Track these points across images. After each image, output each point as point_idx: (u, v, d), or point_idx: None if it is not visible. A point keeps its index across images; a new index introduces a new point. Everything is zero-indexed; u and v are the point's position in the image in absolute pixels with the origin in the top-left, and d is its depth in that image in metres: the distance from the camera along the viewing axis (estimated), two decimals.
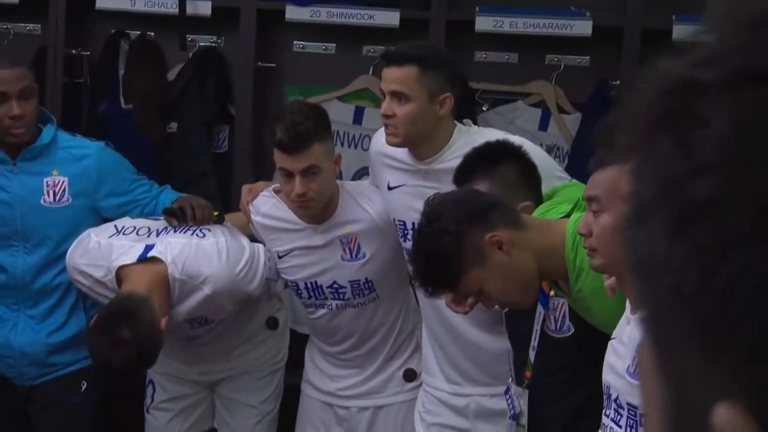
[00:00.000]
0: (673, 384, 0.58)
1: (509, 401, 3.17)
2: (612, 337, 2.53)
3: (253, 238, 3.80)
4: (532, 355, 3.02)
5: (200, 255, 3.61)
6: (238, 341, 3.99)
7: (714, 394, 0.55)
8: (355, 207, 3.73)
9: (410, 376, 3.90)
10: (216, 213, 3.84)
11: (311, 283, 3.78)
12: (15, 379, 4.01)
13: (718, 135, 0.54)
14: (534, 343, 3.01)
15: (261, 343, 4.05)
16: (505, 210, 2.81)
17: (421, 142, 3.48)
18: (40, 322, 3.96)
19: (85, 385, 4.00)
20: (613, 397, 2.48)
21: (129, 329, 3.31)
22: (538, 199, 3.12)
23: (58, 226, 3.87)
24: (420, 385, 3.84)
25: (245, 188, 3.87)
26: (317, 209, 3.66)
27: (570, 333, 2.95)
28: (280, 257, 3.77)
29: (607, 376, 2.51)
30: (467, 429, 3.67)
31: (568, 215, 2.84)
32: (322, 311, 3.83)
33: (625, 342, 2.44)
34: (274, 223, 3.76)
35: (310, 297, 3.82)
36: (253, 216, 3.79)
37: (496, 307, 3.03)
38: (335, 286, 3.77)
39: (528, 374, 3.05)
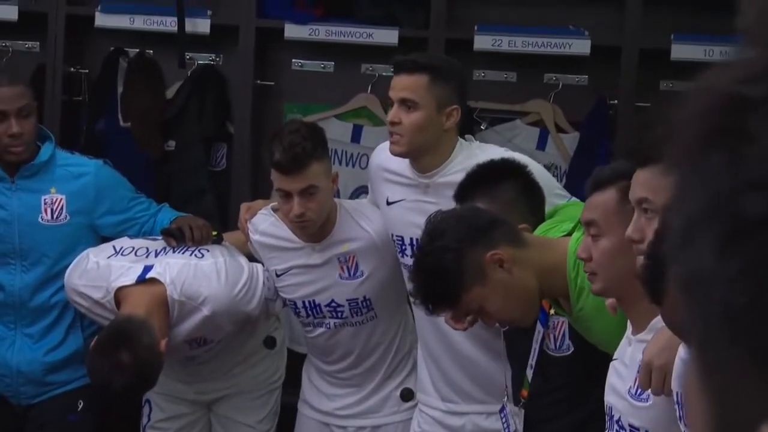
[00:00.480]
0: (719, 400, 0.58)
1: (504, 420, 3.17)
2: (613, 357, 2.53)
3: (252, 257, 3.79)
4: (529, 373, 3.02)
5: (199, 276, 3.60)
6: (236, 360, 3.98)
7: (762, 409, 0.55)
8: (353, 225, 3.73)
9: (407, 395, 3.88)
10: (214, 233, 3.83)
11: (309, 301, 3.77)
12: (12, 398, 3.99)
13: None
14: (532, 361, 3.00)
15: (258, 363, 4.04)
16: (507, 228, 2.81)
17: (424, 154, 3.49)
18: (37, 341, 3.95)
19: (82, 404, 3.98)
20: (615, 418, 2.47)
21: (129, 353, 3.30)
22: (541, 219, 3.12)
23: (56, 244, 3.86)
24: (417, 404, 3.83)
25: (244, 206, 3.87)
26: (315, 228, 3.66)
27: (569, 352, 2.95)
28: (278, 275, 3.77)
29: (609, 397, 2.51)
30: None
31: (569, 234, 2.83)
32: (320, 330, 3.82)
33: (627, 363, 2.43)
34: (273, 241, 3.75)
35: (308, 316, 3.81)
36: (251, 234, 3.78)
37: (496, 325, 3.03)
38: (333, 304, 3.76)
39: (525, 393, 3.04)
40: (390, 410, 3.90)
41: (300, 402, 4.02)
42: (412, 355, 3.88)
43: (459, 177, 3.31)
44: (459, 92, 3.51)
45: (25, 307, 3.92)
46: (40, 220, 3.87)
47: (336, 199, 3.81)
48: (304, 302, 3.78)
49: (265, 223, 3.77)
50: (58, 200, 3.88)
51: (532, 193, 3.19)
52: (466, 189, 3.17)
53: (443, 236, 2.74)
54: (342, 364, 3.88)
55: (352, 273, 3.74)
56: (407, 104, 3.44)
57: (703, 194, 0.57)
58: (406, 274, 3.63)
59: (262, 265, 3.78)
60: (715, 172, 0.56)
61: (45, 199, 3.88)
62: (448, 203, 3.33)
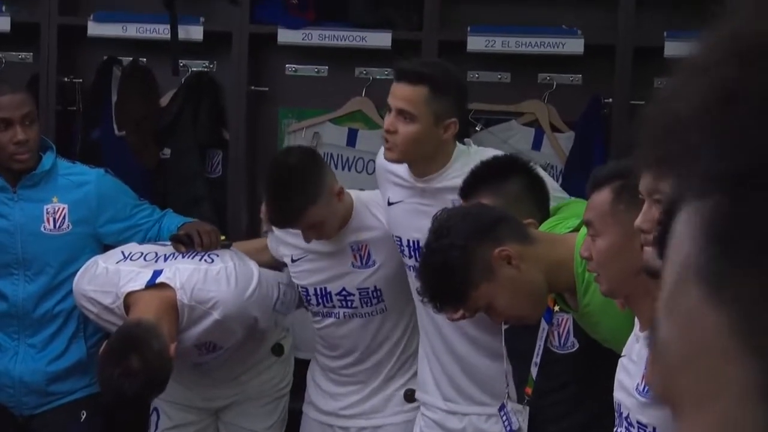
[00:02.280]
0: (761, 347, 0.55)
1: (504, 418, 3.17)
2: (622, 354, 2.53)
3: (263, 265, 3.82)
4: (534, 371, 3.01)
5: (209, 280, 3.60)
6: (244, 367, 3.98)
7: None
8: (368, 216, 3.76)
9: (411, 396, 3.89)
10: (223, 238, 3.85)
11: (321, 288, 3.80)
12: (14, 409, 3.98)
13: None
14: (537, 359, 3.00)
15: (266, 370, 4.04)
16: (514, 224, 2.81)
17: (419, 161, 3.49)
18: (40, 351, 3.94)
19: (85, 414, 3.98)
20: (624, 414, 2.48)
21: (139, 359, 3.29)
22: (545, 215, 3.12)
23: (59, 254, 3.86)
24: (419, 407, 3.84)
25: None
26: (331, 237, 3.72)
27: (574, 349, 2.95)
28: (293, 261, 3.81)
29: (618, 393, 2.51)
30: None
31: (576, 230, 2.84)
32: (329, 320, 3.84)
33: (635, 360, 2.44)
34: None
35: (318, 304, 3.83)
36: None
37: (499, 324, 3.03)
38: (344, 293, 3.78)
39: (529, 391, 3.04)
40: (393, 410, 3.91)
41: (305, 404, 4.04)
42: (418, 356, 3.89)
43: (456, 182, 3.32)
44: (458, 104, 3.49)
45: (28, 317, 3.91)
46: (42, 229, 3.87)
47: (351, 191, 3.81)
48: (315, 289, 3.81)
49: None
50: (61, 209, 3.87)
51: (538, 188, 3.19)
52: (472, 185, 3.16)
53: (449, 234, 2.74)
54: (348, 359, 3.88)
55: (364, 262, 3.76)
56: (405, 115, 3.41)
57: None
58: (407, 273, 3.65)
59: (283, 271, 3.82)
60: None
61: (47, 209, 3.87)
62: (445, 206, 3.33)
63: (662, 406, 0.59)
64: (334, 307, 3.82)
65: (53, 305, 3.91)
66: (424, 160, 3.48)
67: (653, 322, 0.63)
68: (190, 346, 3.65)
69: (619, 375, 2.51)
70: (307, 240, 3.66)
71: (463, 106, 3.56)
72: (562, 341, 2.96)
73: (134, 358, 3.29)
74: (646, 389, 2.38)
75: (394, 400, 3.91)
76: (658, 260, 2.03)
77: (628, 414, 2.45)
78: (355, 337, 3.85)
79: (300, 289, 3.85)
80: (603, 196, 2.50)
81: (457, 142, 3.54)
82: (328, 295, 3.81)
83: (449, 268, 2.72)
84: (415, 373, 3.87)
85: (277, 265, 3.94)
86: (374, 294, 3.78)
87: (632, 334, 2.50)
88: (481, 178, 3.15)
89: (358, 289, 3.77)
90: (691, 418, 0.58)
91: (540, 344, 2.96)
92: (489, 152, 3.57)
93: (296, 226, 3.60)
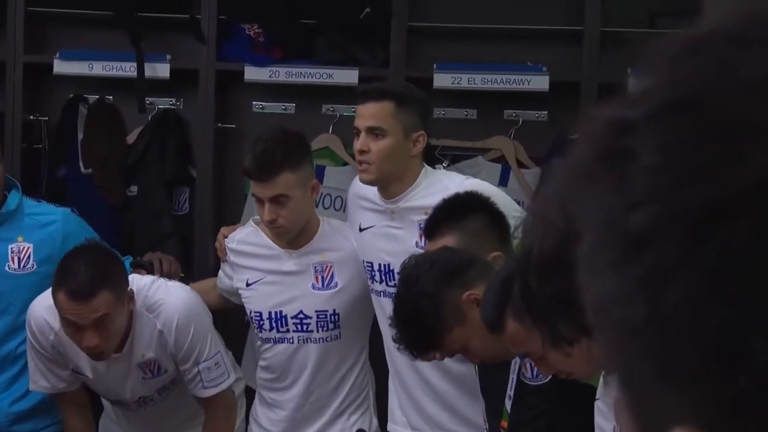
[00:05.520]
0: (636, 415, 0.60)
1: None
2: (596, 397, 2.53)
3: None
4: (508, 404, 3.01)
5: (162, 289, 3.60)
6: (189, 413, 3.86)
7: (670, 419, 0.56)
8: (337, 236, 3.76)
9: None
10: (182, 276, 3.85)
11: (276, 312, 3.76)
12: None
13: (646, 166, 0.56)
14: (510, 392, 3.00)
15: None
16: (481, 266, 2.83)
17: (392, 181, 3.54)
18: (2, 391, 3.88)
19: None
20: None
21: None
22: (509, 247, 3.13)
23: (23, 293, 3.81)
24: None
25: (223, 229, 3.95)
26: (291, 235, 3.69)
27: (547, 380, 2.95)
28: (248, 285, 3.77)
29: None
30: None
31: None
32: (281, 346, 3.78)
33: (608, 402, 2.44)
34: (248, 248, 3.79)
35: (271, 329, 3.77)
36: (228, 244, 3.82)
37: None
38: (300, 316, 3.75)
39: (504, 424, 3.04)
40: None
41: None
42: (369, 398, 3.85)
43: (423, 202, 3.39)
44: (423, 118, 3.58)
45: None
46: (6, 268, 3.82)
47: (322, 217, 3.84)
48: (270, 313, 3.76)
49: (243, 232, 3.84)
50: (26, 249, 3.84)
51: (498, 222, 3.21)
52: (434, 225, 3.19)
53: (418, 282, 2.76)
54: (294, 391, 3.80)
55: (326, 283, 3.74)
56: (375, 132, 3.48)
57: (597, 221, 0.58)
58: (375, 300, 3.64)
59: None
60: (605, 196, 0.58)
61: (12, 248, 3.83)
62: (413, 228, 3.36)
63: None
64: (288, 331, 3.76)
65: (16, 345, 3.85)
66: (395, 179, 3.52)
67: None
68: (135, 366, 3.60)
69: (597, 418, 2.51)
70: (268, 217, 3.57)
71: (428, 120, 3.63)
72: (534, 372, 2.96)
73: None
74: None
75: None
76: None
77: None
78: (304, 365, 3.77)
79: (253, 314, 3.79)
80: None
81: (425, 164, 3.58)
82: (283, 319, 3.76)
83: (421, 316, 2.74)
84: (365, 412, 3.83)
85: (225, 305, 3.92)
86: (332, 318, 3.74)
87: (602, 377, 2.50)
88: (442, 217, 3.18)
89: (316, 311, 3.73)
90: None
91: (513, 377, 2.96)
92: (454, 175, 3.64)
93: (267, 182, 3.54)
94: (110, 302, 3.37)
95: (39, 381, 3.73)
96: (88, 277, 3.34)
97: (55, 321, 3.51)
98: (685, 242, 0.54)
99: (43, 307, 3.56)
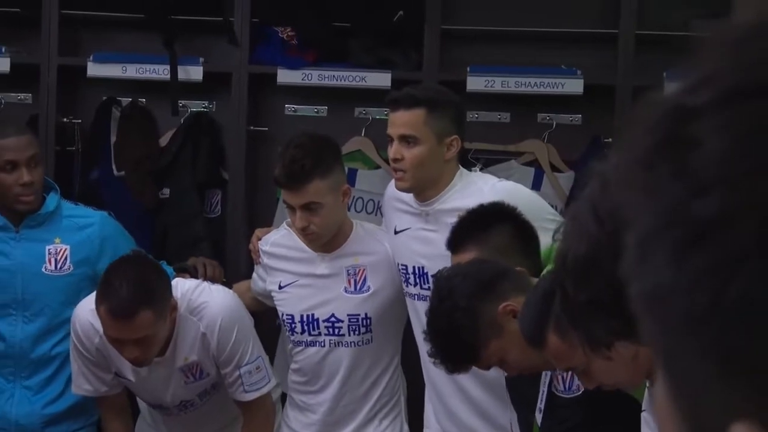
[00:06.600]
0: (689, 414, 0.58)
1: None
2: (642, 408, 2.50)
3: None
4: (538, 417, 2.98)
5: (205, 293, 3.60)
6: (228, 417, 3.87)
7: (730, 414, 0.55)
8: (370, 240, 3.75)
9: None
10: (224, 280, 3.87)
11: (308, 315, 3.75)
12: None
13: (714, 153, 0.55)
14: (541, 405, 2.97)
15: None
16: (514, 276, 2.79)
17: (428, 187, 3.52)
18: (36, 393, 3.91)
19: None
20: None
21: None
22: (535, 260, 3.09)
23: (59, 294, 3.83)
24: None
25: (258, 231, 3.94)
26: (323, 240, 3.69)
27: (579, 392, 2.92)
28: (281, 288, 3.76)
29: None
30: None
31: None
32: (312, 349, 3.77)
33: (654, 412, 2.41)
34: (281, 251, 3.78)
35: (303, 332, 3.77)
36: (261, 247, 3.81)
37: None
38: (332, 319, 3.74)
39: None
40: None
41: None
42: (400, 404, 3.83)
43: (458, 204, 3.35)
44: (457, 121, 3.55)
45: (25, 358, 3.88)
46: (43, 270, 3.85)
47: (355, 220, 3.83)
48: (302, 316, 3.75)
49: (276, 235, 3.84)
50: (63, 250, 3.85)
51: (525, 235, 3.16)
52: (458, 236, 3.15)
53: (452, 296, 2.71)
54: (326, 394, 3.79)
55: (358, 287, 3.73)
56: (407, 140, 3.47)
57: (655, 208, 0.57)
58: (410, 303, 3.62)
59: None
60: (666, 184, 0.57)
61: (49, 249, 3.85)
62: (447, 231, 3.34)
63: None
64: (320, 335, 3.75)
65: (51, 347, 3.87)
66: (431, 183, 3.51)
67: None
68: (178, 370, 3.61)
69: (644, 430, 2.48)
70: (300, 224, 3.57)
71: (462, 122, 3.59)
72: (566, 385, 2.93)
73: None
74: None
75: None
76: None
77: None
78: (336, 369, 3.76)
79: (285, 317, 3.79)
80: None
81: (460, 166, 3.57)
82: (315, 322, 3.75)
83: (456, 331, 2.69)
84: (395, 419, 3.81)
85: (259, 308, 3.91)
86: (363, 322, 3.73)
87: (647, 386, 2.46)
88: (467, 228, 3.13)
89: (348, 315, 3.72)
90: None
91: (543, 390, 2.93)
92: (488, 177, 3.61)
93: (298, 191, 3.54)
94: (151, 321, 3.35)
95: (82, 384, 3.73)
96: (129, 296, 3.30)
97: (99, 325, 3.50)
98: (757, 230, 0.53)
99: (89, 310, 3.54)
